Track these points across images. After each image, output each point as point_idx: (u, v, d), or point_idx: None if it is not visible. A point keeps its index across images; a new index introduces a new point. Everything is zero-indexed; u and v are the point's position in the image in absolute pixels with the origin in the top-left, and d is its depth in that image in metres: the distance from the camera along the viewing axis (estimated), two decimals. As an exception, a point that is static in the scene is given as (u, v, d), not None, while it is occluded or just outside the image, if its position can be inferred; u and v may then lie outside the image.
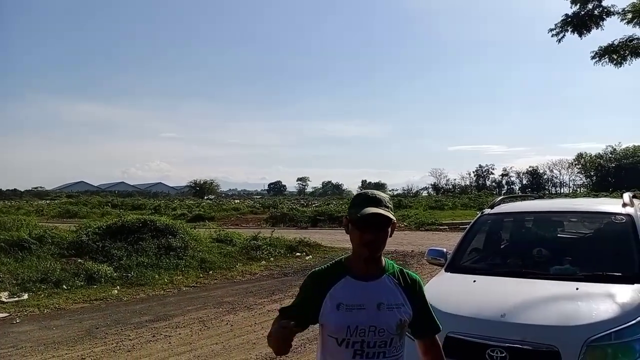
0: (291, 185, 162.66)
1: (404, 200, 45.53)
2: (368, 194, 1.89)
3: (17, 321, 7.54)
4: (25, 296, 8.97)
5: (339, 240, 19.65)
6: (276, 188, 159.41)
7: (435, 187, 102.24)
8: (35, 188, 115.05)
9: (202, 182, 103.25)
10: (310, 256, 14.88)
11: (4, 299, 8.67)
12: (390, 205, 1.88)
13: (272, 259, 14.00)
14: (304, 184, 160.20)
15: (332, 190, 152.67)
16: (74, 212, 38.70)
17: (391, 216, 1.83)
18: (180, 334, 6.72)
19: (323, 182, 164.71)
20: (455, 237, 19.14)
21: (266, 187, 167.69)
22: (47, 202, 63.71)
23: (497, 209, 5.41)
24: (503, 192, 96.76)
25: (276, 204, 46.19)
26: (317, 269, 2.00)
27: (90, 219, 23.75)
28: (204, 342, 6.32)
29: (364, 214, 1.78)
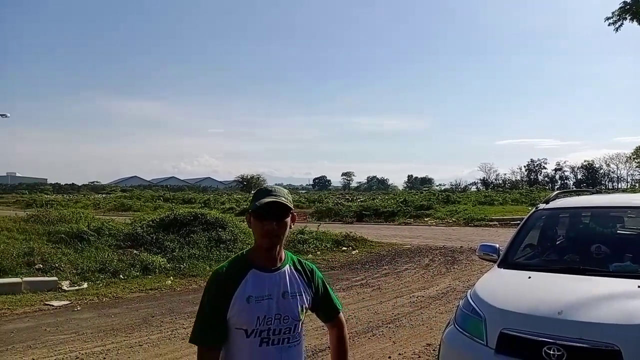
0: (336, 180, 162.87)
1: (452, 195, 44.60)
2: (267, 188, 1.98)
3: (78, 309, 7.94)
4: (85, 285, 9.43)
5: (385, 235, 19.56)
6: (321, 183, 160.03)
7: (484, 182, 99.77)
8: (92, 182, 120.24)
9: (249, 177, 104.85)
10: (357, 251, 14.88)
11: (65, 288, 9.14)
12: (289, 198, 1.95)
13: (318, 252, 14.10)
14: (348, 178, 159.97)
15: (377, 185, 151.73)
16: (128, 206, 40.23)
17: (289, 204, 1.91)
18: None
19: (368, 177, 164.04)
20: (506, 234, 18.67)
21: (311, 182, 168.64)
22: (103, 196, 66.53)
23: (553, 204, 5.24)
24: (556, 187, 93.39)
25: (321, 199, 46.44)
26: (220, 268, 2.00)
27: (144, 212, 24.65)
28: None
29: (262, 202, 1.88)
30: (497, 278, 4.22)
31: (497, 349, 3.26)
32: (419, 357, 5.45)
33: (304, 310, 1.98)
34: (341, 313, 2.20)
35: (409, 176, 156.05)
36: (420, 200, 37.72)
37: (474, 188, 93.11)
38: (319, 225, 17.70)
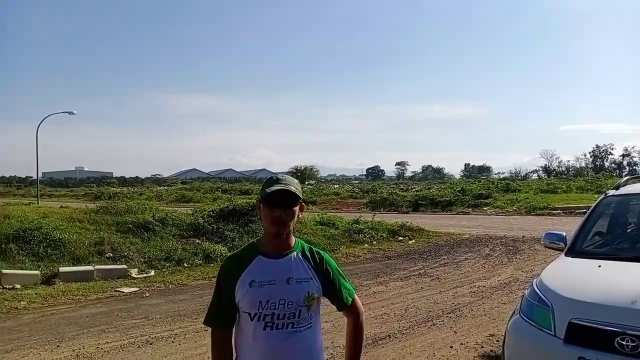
0: (389, 170, 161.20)
1: (512, 183, 43.15)
2: (277, 177, 2.02)
3: (147, 295, 8.34)
4: (152, 273, 9.89)
5: (442, 225, 19.24)
6: (374, 173, 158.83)
7: (546, 169, 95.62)
8: (154, 175, 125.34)
9: (302, 168, 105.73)
10: (413, 240, 14.74)
11: (134, 275, 9.62)
12: (298, 188, 1.98)
13: (374, 242, 14.07)
14: (402, 168, 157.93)
15: (432, 174, 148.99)
16: (188, 197, 41.62)
17: (298, 193, 1.95)
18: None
19: (423, 166, 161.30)
20: (571, 222, 17.94)
21: (364, 172, 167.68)
22: (165, 188, 69.15)
23: (623, 190, 4.98)
24: (624, 173, 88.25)
25: (375, 189, 46.14)
26: (231, 254, 2.13)
27: (204, 203, 25.40)
28: (339, 314, 6.55)
29: (272, 189, 1.92)
30: (565, 267, 4.08)
31: (565, 339, 3.16)
32: (482, 347, 5.36)
33: (310, 296, 1.98)
34: (356, 300, 2.18)
35: (466, 164, 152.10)
36: (479, 189, 36.78)
37: (535, 176, 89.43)
38: (373, 215, 17.65)
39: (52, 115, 38.00)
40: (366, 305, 7.26)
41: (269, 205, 1.93)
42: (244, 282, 1.96)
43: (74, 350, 5.43)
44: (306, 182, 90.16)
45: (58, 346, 5.60)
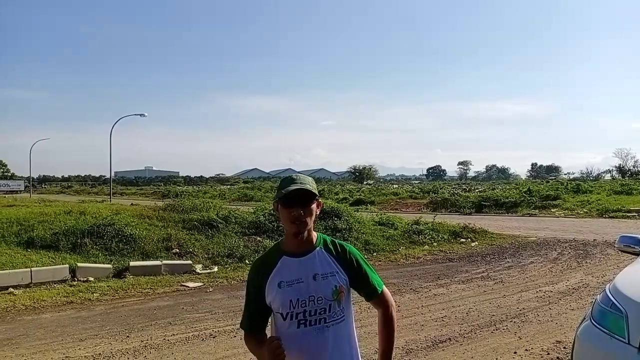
0: (451, 170, 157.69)
1: (583, 184, 41.03)
2: (292, 176, 2.02)
3: (210, 290, 8.61)
4: (215, 269, 10.20)
5: (507, 226, 18.61)
6: (435, 173, 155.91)
7: (620, 169, 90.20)
8: (217, 175, 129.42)
9: (361, 167, 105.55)
10: (476, 242, 14.33)
11: (198, 271, 9.97)
12: (313, 186, 1.99)
13: (435, 244, 13.81)
14: (465, 168, 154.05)
15: (497, 174, 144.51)
16: (250, 196, 42.68)
17: (314, 191, 1.96)
18: (349, 310, 7.02)
19: (487, 166, 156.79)
20: (648, 226, 16.81)
21: (425, 172, 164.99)
22: (228, 187, 71.14)
23: None
24: None
25: (436, 189, 45.29)
26: (257, 258, 2.17)
27: (265, 202, 25.93)
28: (372, 319, 6.51)
29: (288, 190, 1.92)
30: (641, 272, 3.83)
31: (640, 348, 2.97)
32: (548, 354, 5.14)
33: (338, 290, 1.98)
34: (386, 292, 2.15)
35: (532, 164, 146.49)
36: (547, 190, 35.29)
37: (608, 176, 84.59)
38: (434, 216, 17.33)
39: (124, 118, 40.18)
40: (426, 307, 7.17)
41: (286, 205, 1.94)
42: (272, 284, 1.99)
43: (142, 341, 5.70)
44: (364, 182, 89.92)
45: (128, 336, 5.90)
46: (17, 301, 7.58)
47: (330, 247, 2.07)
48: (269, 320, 2.09)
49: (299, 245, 2.01)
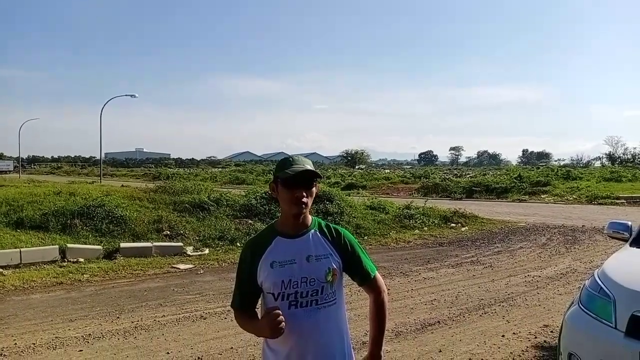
0: (443, 155, 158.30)
1: (573, 171, 41.30)
2: (293, 157, 2.02)
3: (201, 272, 8.62)
4: (207, 251, 10.20)
5: (497, 212, 18.75)
6: (427, 158, 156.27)
7: (610, 157, 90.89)
8: (209, 157, 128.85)
9: (353, 152, 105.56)
10: (467, 227, 14.43)
11: (189, 253, 9.96)
12: (314, 167, 2.01)
13: (425, 228, 13.89)
14: (457, 153, 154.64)
15: (488, 160, 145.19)
16: (242, 179, 42.56)
17: (318, 172, 1.97)
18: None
19: (478, 152, 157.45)
20: (636, 213, 17.11)
21: (416, 157, 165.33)
22: (219, 169, 70.87)
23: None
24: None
25: (427, 174, 45.48)
26: (251, 238, 2.18)
27: (256, 185, 25.89)
28: (362, 302, 6.56)
29: (295, 171, 1.92)
30: (629, 257, 3.88)
31: (627, 332, 3.02)
32: (535, 337, 5.21)
33: (331, 272, 1.98)
34: (378, 277, 2.15)
35: (524, 150, 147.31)
36: (537, 176, 35.50)
37: (598, 163, 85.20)
38: (425, 201, 17.40)
39: (114, 98, 39.69)
40: (416, 291, 7.22)
41: (288, 186, 1.94)
42: (265, 263, 1.99)
43: (132, 322, 5.70)
44: (356, 167, 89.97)
45: (118, 317, 5.90)
46: (7, 281, 7.53)
47: (325, 230, 2.07)
48: (259, 300, 2.08)
49: (295, 226, 2.01)
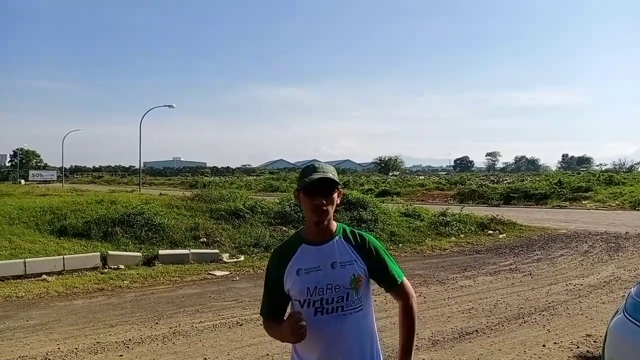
0: (479, 161, 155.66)
1: (616, 176, 39.90)
2: (315, 165, 2.01)
3: (237, 279, 8.72)
4: (242, 258, 10.32)
5: (536, 219, 18.28)
6: (463, 164, 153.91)
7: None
8: (244, 166, 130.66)
9: (386, 158, 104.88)
10: (504, 234, 14.12)
11: (225, 260, 10.09)
12: (335, 175, 2.00)
13: (462, 235, 13.66)
14: (493, 159, 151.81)
15: (526, 165, 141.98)
16: (276, 187, 42.92)
17: (337, 180, 1.97)
18: (375, 301, 7.02)
19: (516, 157, 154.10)
20: (685, 219, 16.28)
21: (452, 163, 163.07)
22: (254, 177, 71.65)
23: None
24: None
25: (463, 180, 44.69)
26: (277, 246, 2.19)
27: (290, 193, 26.06)
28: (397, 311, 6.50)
29: (311, 179, 1.93)
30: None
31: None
32: (578, 347, 5.04)
33: (356, 278, 1.97)
34: (406, 283, 2.12)
35: (563, 155, 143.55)
36: (578, 181, 34.40)
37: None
38: (461, 208, 17.12)
39: (153, 109, 40.78)
40: (452, 299, 7.11)
41: (309, 194, 1.95)
42: (291, 271, 2.00)
43: (171, 328, 5.81)
44: (390, 173, 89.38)
45: (157, 323, 6.03)
46: (50, 288, 7.81)
47: (350, 236, 2.07)
48: (288, 307, 2.09)
49: (319, 233, 2.02)
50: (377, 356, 2.05)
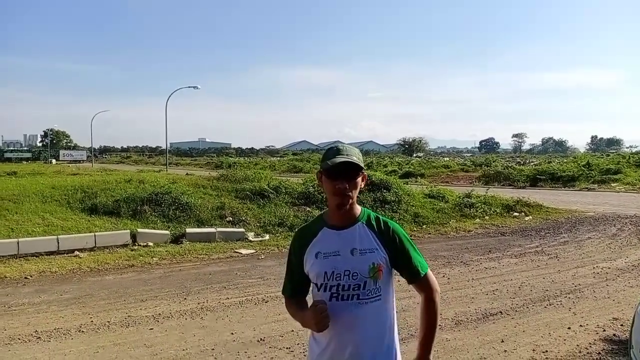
0: (505, 142, 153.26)
1: (648, 158, 38.88)
2: (338, 147, 1.95)
3: (262, 257, 8.87)
4: (267, 237, 10.46)
5: (563, 201, 17.98)
6: (488, 145, 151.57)
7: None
8: (268, 147, 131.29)
9: (410, 140, 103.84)
10: (530, 217, 13.95)
11: (250, 238, 10.25)
12: (360, 158, 1.93)
13: (486, 217, 13.55)
14: (520, 140, 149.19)
15: (553, 147, 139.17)
16: (299, 168, 43.04)
17: (360, 164, 1.90)
18: (399, 281, 7.07)
19: (543, 139, 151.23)
20: None
21: (477, 145, 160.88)
22: (278, 158, 72.00)
23: None
24: None
25: (489, 162, 44.08)
26: (300, 227, 2.15)
27: (313, 173, 26.12)
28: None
29: (334, 162, 1.86)
30: None
31: None
32: (604, 330, 5.01)
33: (375, 267, 1.90)
34: (430, 276, 2.03)
35: (592, 137, 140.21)
36: (607, 163, 33.62)
37: (677, 150, 79.70)
38: (487, 190, 16.93)
39: (179, 90, 41.14)
40: (476, 281, 7.10)
41: (331, 177, 1.88)
42: (310, 253, 1.96)
43: (198, 303, 5.98)
44: (414, 155, 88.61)
45: (185, 299, 6.20)
46: (83, 264, 8.08)
47: (373, 222, 1.99)
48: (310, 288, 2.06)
49: (341, 218, 1.96)
50: (392, 349, 1.97)
